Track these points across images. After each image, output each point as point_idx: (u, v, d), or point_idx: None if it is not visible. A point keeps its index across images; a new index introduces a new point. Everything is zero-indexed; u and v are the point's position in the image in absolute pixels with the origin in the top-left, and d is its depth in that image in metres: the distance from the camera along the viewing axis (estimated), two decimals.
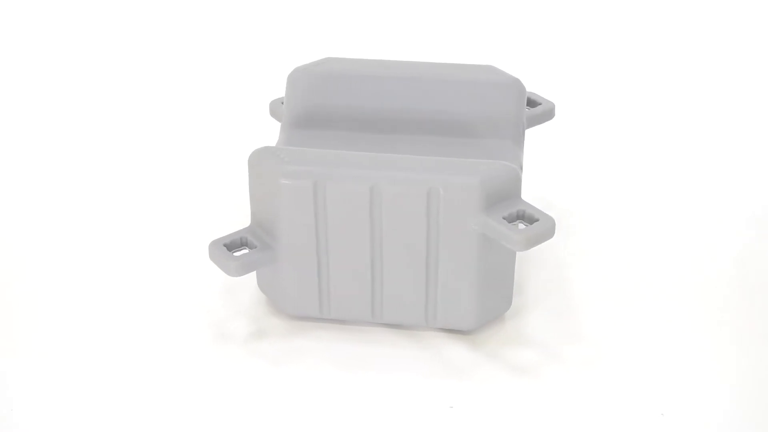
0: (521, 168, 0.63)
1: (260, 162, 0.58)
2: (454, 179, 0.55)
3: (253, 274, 0.62)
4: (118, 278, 0.66)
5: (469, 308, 0.59)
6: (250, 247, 0.59)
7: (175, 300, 0.64)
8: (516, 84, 0.64)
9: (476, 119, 0.64)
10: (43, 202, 0.75)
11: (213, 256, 0.59)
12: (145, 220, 0.73)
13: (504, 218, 0.56)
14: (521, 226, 0.56)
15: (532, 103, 0.69)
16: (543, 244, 0.67)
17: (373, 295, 0.59)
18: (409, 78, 0.65)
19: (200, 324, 0.62)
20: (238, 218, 0.64)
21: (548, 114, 0.69)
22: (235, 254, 0.59)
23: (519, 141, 0.64)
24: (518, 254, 0.66)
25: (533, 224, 0.55)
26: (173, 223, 0.72)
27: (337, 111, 0.65)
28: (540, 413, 0.55)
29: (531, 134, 0.72)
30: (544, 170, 0.77)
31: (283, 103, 0.68)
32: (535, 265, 0.67)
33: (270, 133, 0.73)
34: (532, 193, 0.73)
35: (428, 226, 0.57)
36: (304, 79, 0.66)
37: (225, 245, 0.59)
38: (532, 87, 0.71)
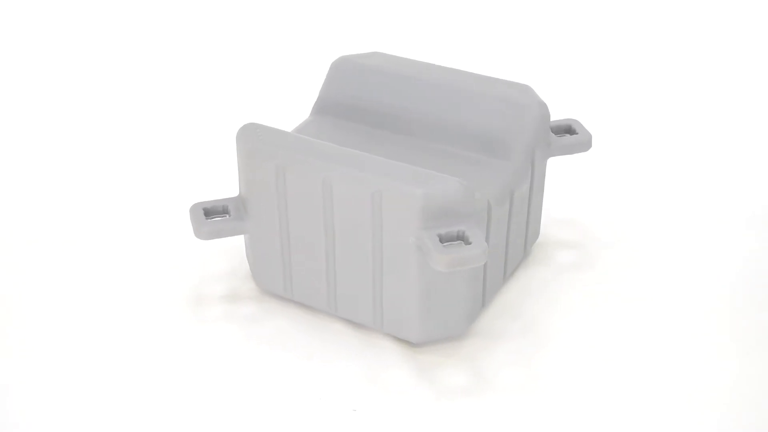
0: (512, 194, 0.60)
1: (242, 137, 0.60)
2: (397, 186, 0.55)
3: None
4: (111, 239, 0.70)
5: (412, 321, 0.58)
6: (229, 216, 0.62)
7: (164, 261, 0.68)
8: (537, 108, 0.62)
9: (486, 136, 0.62)
10: (33, 176, 0.78)
11: (191, 217, 0.62)
12: (152, 184, 0.77)
13: (440, 235, 0.54)
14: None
15: (570, 130, 0.66)
16: (554, 274, 0.66)
17: (328, 287, 0.60)
18: (438, 84, 0.65)
19: (181, 285, 0.65)
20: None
21: (583, 145, 0.65)
22: (208, 219, 0.62)
23: (526, 166, 0.61)
24: (522, 283, 0.65)
25: (463, 247, 0.54)
26: (181, 189, 0.75)
27: (363, 104, 0.66)
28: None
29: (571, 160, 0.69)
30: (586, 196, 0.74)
31: None
32: (531, 294, 0.64)
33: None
34: (562, 218, 0.71)
35: (373, 229, 0.56)
36: (344, 68, 0.67)
37: (204, 209, 0.62)
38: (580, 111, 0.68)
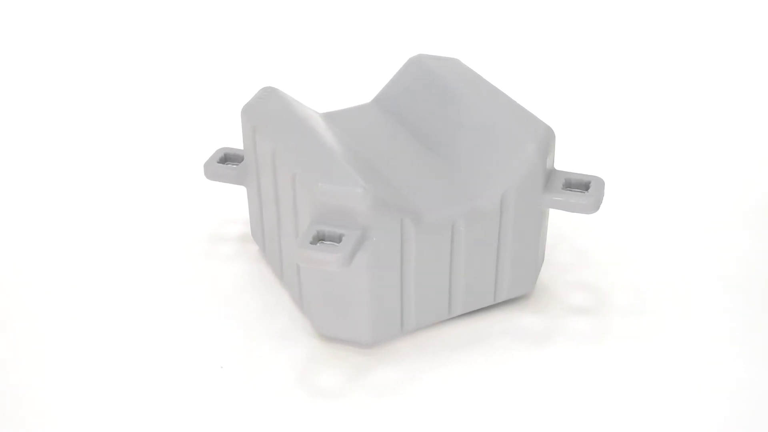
0: (454, 226, 0.57)
1: (255, 95, 0.64)
2: (305, 173, 0.56)
3: None
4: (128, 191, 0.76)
5: (316, 310, 0.59)
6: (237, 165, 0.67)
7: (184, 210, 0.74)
8: (526, 152, 0.58)
9: (473, 165, 0.60)
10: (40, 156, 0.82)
11: (210, 157, 0.67)
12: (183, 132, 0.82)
13: (320, 231, 0.54)
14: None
15: (585, 186, 0.60)
16: (512, 331, 0.63)
17: (278, 256, 0.63)
18: (469, 104, 0.63)
19: (201, 225, 0.72)
20: None
21: (583, 207, 0.59)
22: (220, 163, 0.67)
23: (489, 204, 0.58)
24: (474, 327, 0.62)
25: (324, 248, 0.53)
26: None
27: (405, 104, 0.66)
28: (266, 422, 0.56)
29: None
30: None
31: None
32: (470, 338, 0.61)
33: None
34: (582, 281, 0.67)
35: (292, 210, 0.58)
36: (413, 65, 0.68)
37: (225, 154, 0.67)
38: None
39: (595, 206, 0.59)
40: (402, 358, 0.60)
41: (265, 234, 0.64)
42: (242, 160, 0.67)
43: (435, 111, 0.64)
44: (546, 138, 0.59)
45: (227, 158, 0.67)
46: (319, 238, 0.55)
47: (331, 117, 0.66)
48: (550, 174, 0.60)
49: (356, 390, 0.57)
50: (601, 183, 0.61)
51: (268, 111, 0.62)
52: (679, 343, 0.61)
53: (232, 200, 0.73)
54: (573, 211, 0.60)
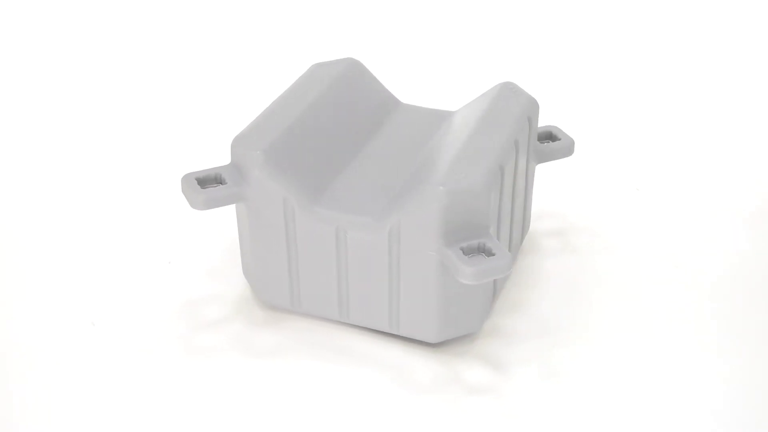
0: (337, 233, 0.57)
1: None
2: (245, 127, 0.61)
3: None
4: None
5: (241, 252, 0.64)
6: None
7: None
8: (426, 207, 0.55)
9: (398, 197, 0.58)
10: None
11: None
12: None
13: (219, 176, 0.60)
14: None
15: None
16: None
17: None
18: (466, 138, 0.60)
19: None
20: None
21: (462, 273, 0.53)
22: None
23: (379, 227, 0.57)
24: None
25: (195, 188, 0.59)
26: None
27: (455, 121, 0.65)
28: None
29: None
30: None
31: None
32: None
33: None
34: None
35: None
36: (491, 91, 0.66)
37: None
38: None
39: (471, 277, 0.54)
40: (277, 327, 0.62)
41: None
42: None
43: (452, 135, 0.62)
44: (464, 193, 0.55)
45: None
46: (217, 181, 0.60)
47: (397, 107, 0.68)
48: (466, 227, 0.56)
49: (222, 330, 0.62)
50: (503, 259, 0.54)
51: (317, 73, 0.66)
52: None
53: None
54: (454, 276, 0.55)
